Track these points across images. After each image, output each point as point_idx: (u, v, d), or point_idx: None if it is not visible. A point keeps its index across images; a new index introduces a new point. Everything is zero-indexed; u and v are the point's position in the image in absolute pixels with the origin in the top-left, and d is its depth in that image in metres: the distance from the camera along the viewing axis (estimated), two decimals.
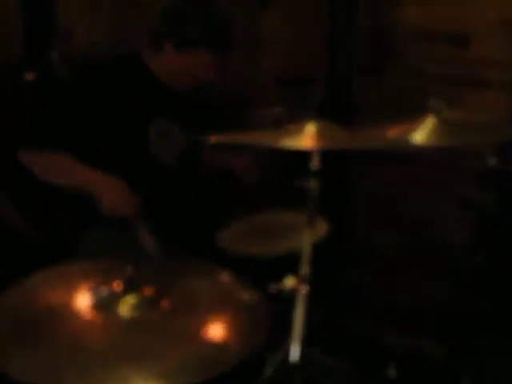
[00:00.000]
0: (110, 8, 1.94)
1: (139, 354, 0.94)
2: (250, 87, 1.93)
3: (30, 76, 1.65)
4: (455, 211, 1.83)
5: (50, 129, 1.48)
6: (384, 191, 1.93)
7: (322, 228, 1.44)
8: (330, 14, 1.90)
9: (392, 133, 1.20)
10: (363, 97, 1.90)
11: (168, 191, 1.61)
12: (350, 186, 1.99)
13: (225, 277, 1.15)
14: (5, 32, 1.80)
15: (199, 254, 1.25)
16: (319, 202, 1.21)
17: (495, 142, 1.40)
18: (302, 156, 1.20)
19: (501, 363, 1.47)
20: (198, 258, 1.18)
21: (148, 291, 1.03)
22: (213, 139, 1.25)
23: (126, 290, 1.02)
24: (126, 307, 1.01)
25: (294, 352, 1.18)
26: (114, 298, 1.02)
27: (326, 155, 1.20)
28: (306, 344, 1.17)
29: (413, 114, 1.21)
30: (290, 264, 1.24)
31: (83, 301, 1.02)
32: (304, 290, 1.20)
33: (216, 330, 1.01)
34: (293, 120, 1.23)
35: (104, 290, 1.03)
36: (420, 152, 1.31)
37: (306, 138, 1.19)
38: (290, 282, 1.22)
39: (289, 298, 1.20)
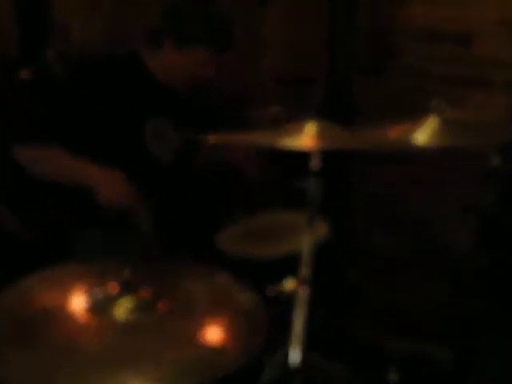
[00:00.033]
0: (107, 6, 1.92)
1: (135, 357, 0.93)
2: (249, 87, 1.92)
3: (25, 74, 1.64)
4: (456, 212, 1.82)
5: (46, 127, 1.46)
6: (384, 191, 1.92)
7: (322, 229, 1.42)
8: (329, 13, 1.89)
9: (393, 133, 1.19)
10: (364, 97, 1.89)
11: (164, 191, 1.60)
12: (351, 187, 1.98)
13: (223, 279, 1.14)
14: (0, 30, 1.79)
15: (197, 255, 1.24)
16: (319, 202, 1.20)
17: (498, 142, 1.38)
18: (302, 156, 1.20)
19: (501, 363, 1.47)
20: (196, 260, 1.17)
21: (144, 293, 1.02)
22: (211, 139, 1.23)
23: (123, 292, 1.01)
24: (122, 310, 1.00)
25: (294, 356, 1.17)
26: (110, 301, 1.00)
27: (326, 155, 1.19)
28: (305, 348, 1.16)
29: (414, 113, 1.20)
30: (289, 265, 1.23)
31: (79, 303, 1.01)
32: (304, 292, 1.19)
33: (214, 333, 1.00)
34: (292, 119, 1.22)
35: (100, 292, 1.02)
36: (421, 152, 1.30)
37: (306, 137, 1.18)
38: (289, 283, 1.21)
39: (288, 301, 1.20)
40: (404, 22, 1.85)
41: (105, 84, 1.49)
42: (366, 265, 1.92)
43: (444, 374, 1.59)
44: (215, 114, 1.68)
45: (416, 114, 1.19)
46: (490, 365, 1.50)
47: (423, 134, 1.16)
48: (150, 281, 1.05)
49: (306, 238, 1.21)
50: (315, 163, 1.20)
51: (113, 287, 1.01)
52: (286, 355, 1.17)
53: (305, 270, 1.20)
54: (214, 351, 0.96)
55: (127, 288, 1.01)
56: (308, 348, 1.16)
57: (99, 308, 1.00)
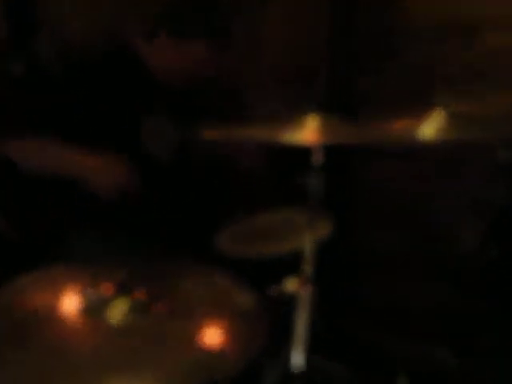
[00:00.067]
0: (103, 4, 1.89)
1: (130, 361, 0.91)
2: (248, 85, 1.89)
3: (16, 68, 1.61)
4: (462, 208, 1.79)
5: (38, 126, 1.43)
6: (388, 187, 1.90)
7: (324, 226, 1.39)
8: (330, 9, 1.86)
9: (398, 127, 1.18)
10: (367, 91, 1.85)
11: (163, 191, 1.56)
12: (353, 183, 1.95)
13: (222, 279, 1.12)
14: None
15: (196, 255, 1.21)
16: (321, 199, 1.19)
17: (505, 135, 1.35)
18: (303, 151, 1.18)
19: (501, 363, 1.47)
20: (195, 260, 1.15)
21: (140, 295, 1.01)
22: (209, 135, 1.20)
23: (117, 294, 0.99)
24: (117, 312, 0.98)
25: (296, 358, 1.15)
26: (104, 303, 0.99)
27: (328, 150, 1.18)
28: (307, 350, 1.15)
29: (419, 107, 1.19)
30: (291, 265, 1.22)
31: (72, 305, 1.00)
32: (306, 291, 1.18)
33: (212, 336, 0.98)
34: (292, 114, 1.19)
35: (93, 294, 1.00)
36: (426, 147, 1.27)
37: (308, 132, 1.16)
38: (291, 283, 1.20)
39: (290, 301, 1.19)
40: (407, 14, 1.82)
41: (99, 80, 1.47)
42: (370, 265, 1.90)
43: (445, 374, 1.56)
44: (212, 108, 1.65)
45: (421, 108, 1.18)
46: (491, 365, 1.49)
47: (429, 128, 1.14)
48: (145, 281, 1.04)
49: (308, 236, 1.20)
50: (317, 158, 1.18)
51: (107, 288, 1.00)
52: (288, 357, 1.14)
53: (307, 269, 1.19)
54: (213, 354, 0.94)
55: (122, 289, 1.00)
56: (309, 349, 1.13)
57: (93, 310, 0.98)
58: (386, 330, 1.70)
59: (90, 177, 1.38)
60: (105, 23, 1.72)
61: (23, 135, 1.42)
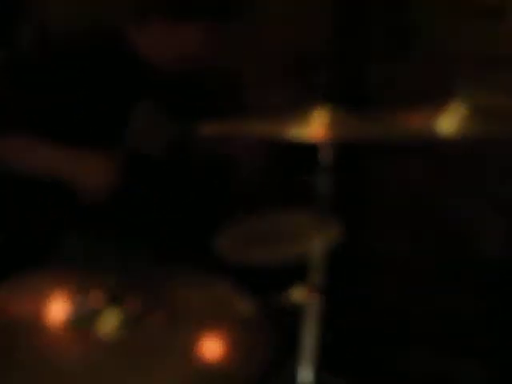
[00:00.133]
0: None
1: (123, 378, 0.91)
2: (248, 73, 1.88)
3: None
4: (486, 210, 1.77)
5: (20, 116, 1.42)
6: (404, 186, 1.87)
7: (333, 230, 1.38)
8: None
9: (414, 121, 1.17)
10: (379, 83, 1.83)
11: (155, 189, 1.55)
12: (366, 182, 1.93)
13: (222, 287, 1.12)
14: None
15: (193, 260, 1.22)
16: (330, 201, 1.18)
17: None
18: (310, 148, 1.17)
19: None
20: (192, 266, 1.16)
21: (133, 305, 1.00)
22: (206, 130, 1.19)
23: (108, 304, 0.99)
24: (108, 324, 0.97)
25: (303, 374, 1.15)
26: (94, 313, 0.98)
27: (338, 147, 1.17)
28: (316, 364, 1.14)
29: (438, 99, 1.17)
30: (297, 271, 1.21)
31: (58, 316, 0.99)
32: (315, 301, 1.17)
33: (212, 348, 0.98)
34: (298, 107, 1.18)
35: (82, 303, 0.99)
36: (446, 142, 1.25)
37: (315, 127, 1.15)
38: (297, 292, 1.19)
39: (297, 311, 1.18)
40: None
41: (85, 69, 1.47)
42: (382, 269, 1.88)
43: None
44: (210, 100, 1.63)
45: (440, 100, 1.17)
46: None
47: (448, 122, 1.13)
48: (139, 289, 1.04)
49: (316, 240, 1.19)
50: (325, 156, 1.17)
51: (97, 297, 0.99)
52: (295, 373, 1.14)
53: (315, 277, 1.18)
54: (212, 368, 0.94)
55: (113, 298, 0.99)
56: (318, 364, 1.13)
57: (81, 321, 0.97)
58: (403, 342, 1.68)
59: (78, 178, 1.38)
60: (91, 7, 1.71)
61: (3, 130, 1.41)
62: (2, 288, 1.04)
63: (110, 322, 0.97)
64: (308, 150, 1.16)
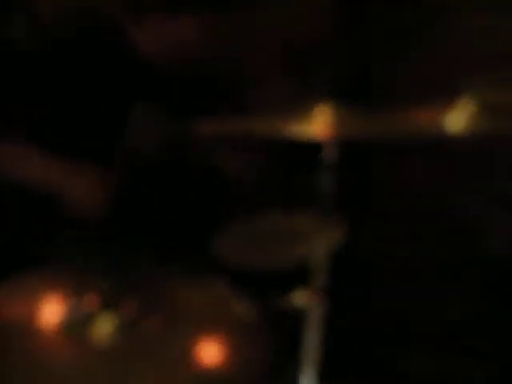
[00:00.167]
0: None
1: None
2: (249, 70, 1.87)
3: None
4: (493, 208, 1.76)
5: (8, 114, 1.42)
6: (411, 186, 1.86)
7: (337, 231, 1.37)
8: None
9: (421, 118, 1.17)
10: (385, 78, 1.82)
11: (154, 189, 1.55)
12: (371, 182, 1.93)
13: (221, 291, 1.13)
14: None
15: (191, 263, 1.22)
16: (334, 201, 1.18)
17: None
18: (313, 146, 1.17)
19: None
20: (190, 269, 1.16)
21: (128, 309, 1.00)
22: (206, 128, 1.19)
23: (102, 308, 0.99)
24: (102, 328, 0.97)
25: (305, 378, 1.14)
26: (88, 318, 0.98)
27: (342, 145, 1.17)
28: (318, 372, 1.14)
29: (446, 96, 1.17)
30: (299, 274, 1.21)
31: (52, 320, 0.99)
32: (317, 305, 1.17)
33: (210, 354, 0.98)
34: (300, 102, 1.18)
35: (76, 307, 0.99)
36: (455, 140, 1.25)
37: (318, 125, 1.15)
38: (299, 295, 1.19)
39: (298, 316, 1.17)
40: None
41: (78, 64, 1.45)
42: (388, 273, 1.87)
43: None
44: (209, 99, 1.63)
45: (448, 97, 1.16)
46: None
47: (456, 120, 1.13)
48: (135, 293, 1.04)
49: (319, 242, 1.19)
50: (328, 155, 1.17)
51: (91, 301, 0.99)
52: (296, 381, 1.13)
53: (318, 280, 1.18)
54: (211, 374, 0.94)
55: (108, 303, 0.99)
56: (321, 372, 1.13)
57: (75, 326, 0.97)
58: (411, 349, 1.68)
59: (65, 191, 1.38)
60: (88, 1, 1.71)
61: None
62: None
63: (104, 327, 0.96)
64: (311, 149, 1.16)
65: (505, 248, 1.72)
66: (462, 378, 1.61)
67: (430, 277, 1.83)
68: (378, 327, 1.76)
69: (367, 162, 1.93)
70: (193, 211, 1.62)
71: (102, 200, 1.39)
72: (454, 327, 1.75)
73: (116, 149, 1.50)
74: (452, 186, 1.85)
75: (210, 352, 0.97)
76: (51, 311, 0.99)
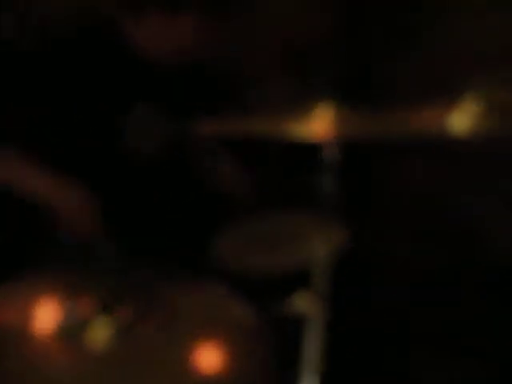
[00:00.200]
0: None
1: None
2: (248, 68, 1.87)
3: None
4: (497, 212, 1.76)
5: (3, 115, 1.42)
6: (411, 188, 1.87)
7: (339, 234, 1.37)
8: None
9: (424, 118, 1.17)
10: (387, 77, 1.82)
11: (152, 190, 1.55)
12: (373, 183, 1.93)
13: (220, 294, 1.12)
14: None
15: (189, 265, 1.23)
16: (335, 202, 1.18)
17: None
18: (314, 147, 1.17)
19: None
20: (188, 272, 1.16)
21: (125, 313, 1.00)
22: (205, 127, 1.19)
23: (99, 312, 0.99)
24: (99, 333, 0.97)
25: None
26: (84, 323, 0.98)
27: (343, 145, 1.17)
28: (320, 379, 1.13)
29: (449, 95, 1.16)
30: (300, 277, 1.20)
31: (47, 325, 0.98)
32: (319, 309, 1.17)
33: (209, 359, 0.98)
34: (299, 102, 1.18)
35: (72, 312, 0.99)
36: (459, 141, 1.25)
37: (318, 125, 1.15)
38: (300, 299, 1.19)
39: (299, 321, 1.17)
40: None
41: (74, 60, 1.45)
42: (391, 276, 1.87)
43: None
44: (209, 98, 1.63)
45: (451, 96, 1.16)
46: None
47: (460, 120, 1.13)
48: (131, 296, 1.03)
49: (320, 244, 1.19)
50: (329, 155, 1.17)
51: (87, 306, 0.99)
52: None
53: (319, 283, 1.18)
54: (210, 381, 0.94)
55: (104, 307, 0.99)
56: (323, 379, 1.13)
57: (70, 331, 0.97)
58: (416, 355, 1.67)
59: (53, 203, 1.36)
60: None
61: None
62: None
63: (101, 331, 0.96)
64: (310, 149, 1.16)
65: (505, 248, 1.72)
66: (462, 378, 1.61)
67: (430, 277, 1.83)
68: (378, 330, 1.76)
69: (368, 162, 1.94)
70: (192, 212, 1.62)
71: (92, 214, 1.38)
72: (454, 327, 1.75)
73: (114, 149, 1.51)
74: (452, 187, 1.85)
75: (208, 357, 0.97)
76: (47, 315, 0.99)
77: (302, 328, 1.16)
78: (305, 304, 1.17)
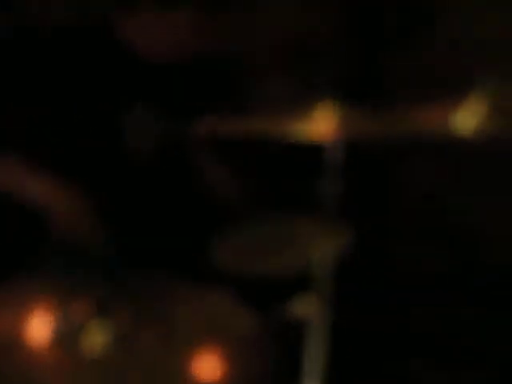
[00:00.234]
0: None
1: None
2: (248, 65, 1.87)
3: None
4: (498, 214, 1.75)
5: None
6: (417, 190, 1.86)
7: (342, 237, 1.36)
8: None
9: (429, 117, 1.17)
10: (392, 73, 1.82)
11: (149, 193, 1.54)
12: (377, 185, 1.92)
13: (220, 300, 1.12)
14: None
15: (187, 271, 1.22)
16: (339, 205, 1.18)
17: None
18: (316, 147, 1.17)
19: None
20: (186, 277, 1.16)
21: (122, 319, 0.99)
22: (205, 127, 1.18)
23: (94, 318, 0.98)
24: (94, 340, 0.97)
25: None
26: (79, 329, 0.98)
27: (345, 146, 1.17)
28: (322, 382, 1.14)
29: (454, 95, 1.17)
30: (301, 282, 1.20)
31: (41, 331, 0.98)
32: (321, 315, 1.16)
33: (209, 367, 0.98)
34: (301, 101, 1.18)
35: (66, 318, 0.99)
36: (465, 142, 1.25)
37: (321, 124, 1.16)
38: (302, 305, 1.19)
39: (300, 326, 1.16)
40: None
41: (73, 60, 1.45)
42: (395, 280, 1.87)
43: None
44: (208, 98, 1.63)
45: (457, 96, 1.16)
46: None
47: (466, 119, 1.14)
48: (129, 302, 1.03)
49: (322, 248, 1.19)
50: (332, 156, 1.17)
51: (82, 311, 0.98)
52: None
53: (321, 288, 1.18)
54: None
55: (100, 312, 0.99)
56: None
57: (65, 338, 0.97)
58: (418, 359, 1.67)
59: (48, 206, 1.36)
60: None
61: None
62: None
63: (97, 337, 0.96)
64: (312, 150, 1.16)
65: (508, 250, 1.71)
66: (463, 382, 1.61)
67: (432, 280, 1.83)
68: (381, 334, 1.76)
69: (371, 163, 1.93)
70: (192, 214, 1.62)
71: (90, 218, 1.39)
72: (456, 330, 1.75)
73: (114, 149, 1.50)
74: (458, 189, 1.84)
75: (208, 364, 0.97)
76: (42, 321, 0.99)
77: (304, 331, 1.15)
78: (306, 307, 1.17)
